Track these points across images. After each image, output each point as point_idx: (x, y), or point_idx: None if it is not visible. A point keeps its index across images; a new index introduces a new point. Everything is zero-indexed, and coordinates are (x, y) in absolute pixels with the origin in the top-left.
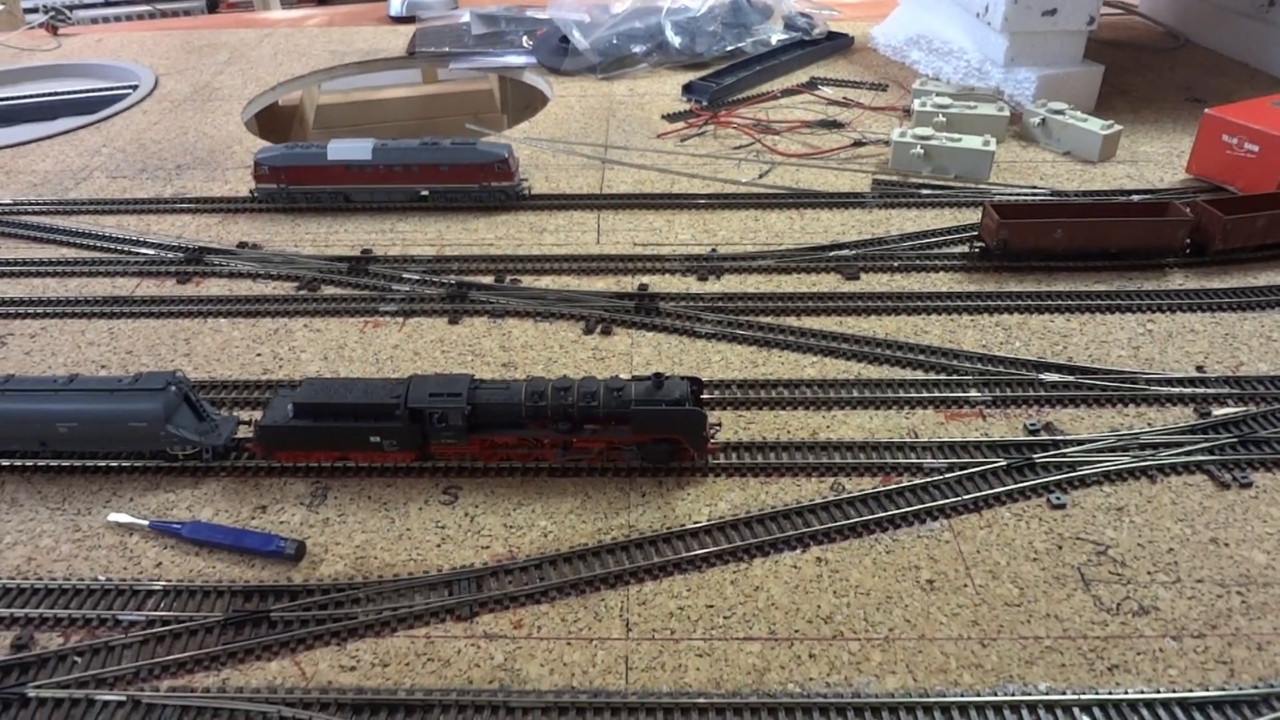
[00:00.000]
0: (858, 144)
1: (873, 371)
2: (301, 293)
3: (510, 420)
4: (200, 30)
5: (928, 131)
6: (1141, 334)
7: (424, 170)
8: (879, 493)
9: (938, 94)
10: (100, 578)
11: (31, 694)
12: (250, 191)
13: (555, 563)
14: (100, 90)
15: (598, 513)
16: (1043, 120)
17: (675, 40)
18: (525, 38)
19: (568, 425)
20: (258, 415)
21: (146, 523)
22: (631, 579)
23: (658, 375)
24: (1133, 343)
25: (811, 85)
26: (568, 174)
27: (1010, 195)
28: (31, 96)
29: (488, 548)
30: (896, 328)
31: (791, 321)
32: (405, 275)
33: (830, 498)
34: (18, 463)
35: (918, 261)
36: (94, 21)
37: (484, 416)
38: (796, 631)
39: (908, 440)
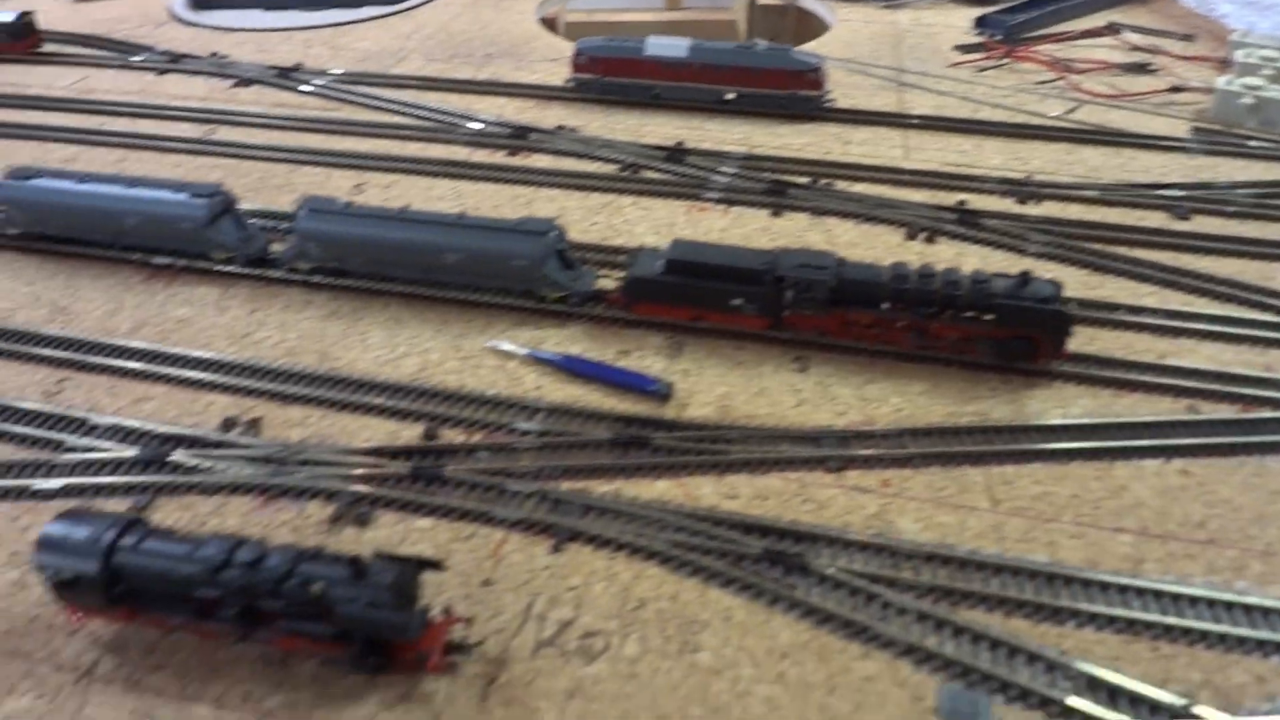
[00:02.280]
0: (1175, 89)
1: (1216, 308)
2: (624, 174)
3: (870, 299)
4: None
5: (1258, 82)
6: None
7: (735, 73)
8: (1241, 419)
9: (1262, 46)
10: (489, 391)
11: (449, 475)
12: (565, 81)
13: (915, 434)
14: None
15: (948, 398)
16: None
17: None
18: None
19: (927, 310)
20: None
21: (525, 351)
22: (993, 460)
23: (1025, 273)
24: None
25: (1113, 29)
26: (865, 93)
27: None
28: None
29: (844, 414)
30: (1238, 269)
31: (1122, 251)
32: (722, 169)
33: (1189, 417)
34: (400, 289)
35: (1256, 210)
36: None
37: (846, 292)
38: (1169, 531)
39: (1267, 375)
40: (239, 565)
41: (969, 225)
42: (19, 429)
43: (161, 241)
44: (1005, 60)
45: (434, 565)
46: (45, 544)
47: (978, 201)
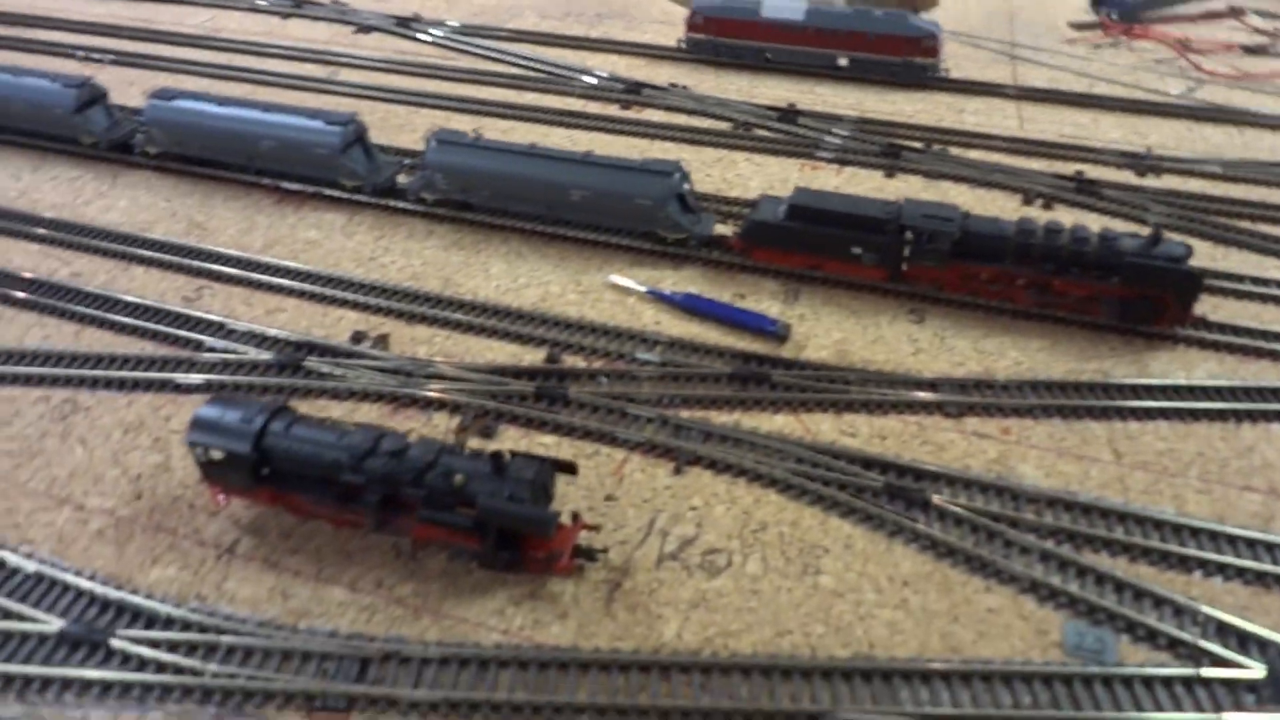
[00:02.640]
0: None
1: None
2: (737, 131)
3: (994, 253)
4: None
5: None
6: None
7: (851, 37)
8: None
9: None
10: (609, 323)
11: (572, 396)
12: (678, 41)
13: (1035, 387)
14: None
15: (1069, 355)
16: None
17: None
18: None
19: (1051, 267)
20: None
21: (644, 289)
22: (1115, 415)
23: (1156, 231)
24: None
25: (1236, 11)
26: (977, 65)
27: None
28: None
29: (962, 365)
30: None
31: (1246, 225)
32: (835, 130)
33: None
34: (521, 224)
35: None
36: None
37: (970, 245)
38: None
39: None
40: (383, 454)
41: (1087, 194)
42: (162, 328)
43: (294, 166)
44: (1122, 38)
45: (569, 468)
46: (198, 424)
47: (1095, 172)
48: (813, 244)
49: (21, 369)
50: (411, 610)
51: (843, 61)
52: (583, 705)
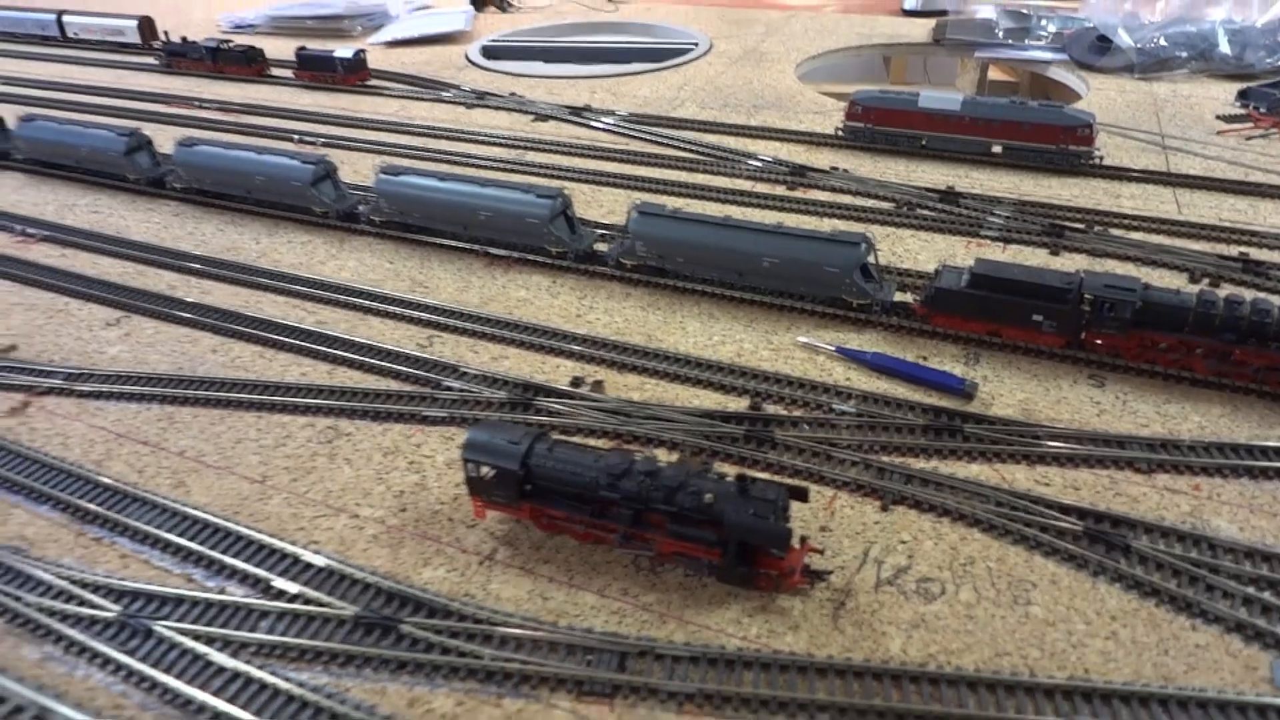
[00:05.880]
0: None
1: None
2: (900, 211)
3: (1175, 323)
4: (732, 8)
5: None
6: None
7: (1007, 126)
8: None
9: None
10: (803, 376)
11: (779, 439)
12: (836, 129)
13: (1223, 449)
14: (663, 44)
15: (1251, 422)
16: None
17: (1226, 49)
18: (1055, 34)
19: (1232, 337)
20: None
21: (833, 347)
22: None
23: None
24: None
25: None
26: (1128, 153)
27: None
28: (608, 43)
29: (1146, 426)
30: None
31: None
32: (995, 211)
33: None
34: (710, 289)
35: None
36: None
37: (1151, 315)
38: None
39: None
40: (637, 474)
41: (1254, 273)
42: (403, 368)
43: (505, 234)
44: (1272, 130)
45: (801, 493)
46: (472, 444)
47: (1260, 254)
48: (993, 311)
49: (289, 399)
50: (657, 616)
51: (997, 149)
52: (823, 704)
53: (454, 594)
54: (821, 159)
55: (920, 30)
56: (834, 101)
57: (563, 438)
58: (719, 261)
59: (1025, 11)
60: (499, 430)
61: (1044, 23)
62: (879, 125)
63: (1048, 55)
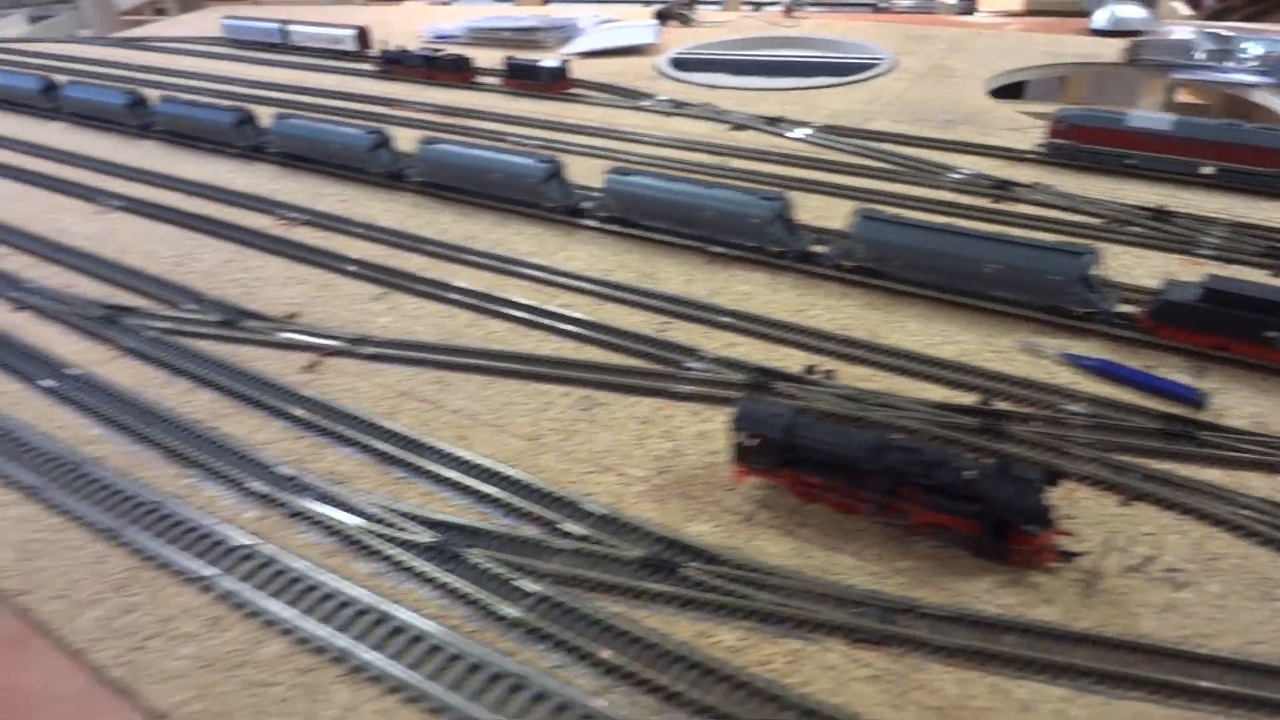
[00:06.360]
0: None
1: None
2: (1111, 227)
3: None
4: (911, 25)
5: None
6: None
7: (1220, 147)
8: None
9: None
10: (1028, 377)
11: (1012, 432)
12: (1036, 144)
13: None
14: (847, 59)
15: None
16: None
17: None
18: (1262, 57)
19: None
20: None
21: (1055, 352)
22: None
23: None
24: None
25: None
26: None
27: None
28: (792, 57)
29: None
30: None
31: None
32: (1210, 231)
33: None
34: (926, 292)
35: None
36: (813, 7)
37: None
38: None
39: None
40: (898, 449)
41: None
42: (645, 349)
43: (727, 233)
44: None
45: (1054, 478)
46: (741, 416)
47: None
48: (1224, 326)
49: (547, 370)
50: (912, 580)
51: (1207, 170)
52: (1082, 669)
53: (721, 547)
54: (1022, 174)
55: (1110, 50)
56: (1029, 119)
57: (821, 416)
58: (941, 266)
59: (1227, 33)
60: (762, 405)
61: (1247, 45)
62: (1084, 143)
63: (1253, 79)
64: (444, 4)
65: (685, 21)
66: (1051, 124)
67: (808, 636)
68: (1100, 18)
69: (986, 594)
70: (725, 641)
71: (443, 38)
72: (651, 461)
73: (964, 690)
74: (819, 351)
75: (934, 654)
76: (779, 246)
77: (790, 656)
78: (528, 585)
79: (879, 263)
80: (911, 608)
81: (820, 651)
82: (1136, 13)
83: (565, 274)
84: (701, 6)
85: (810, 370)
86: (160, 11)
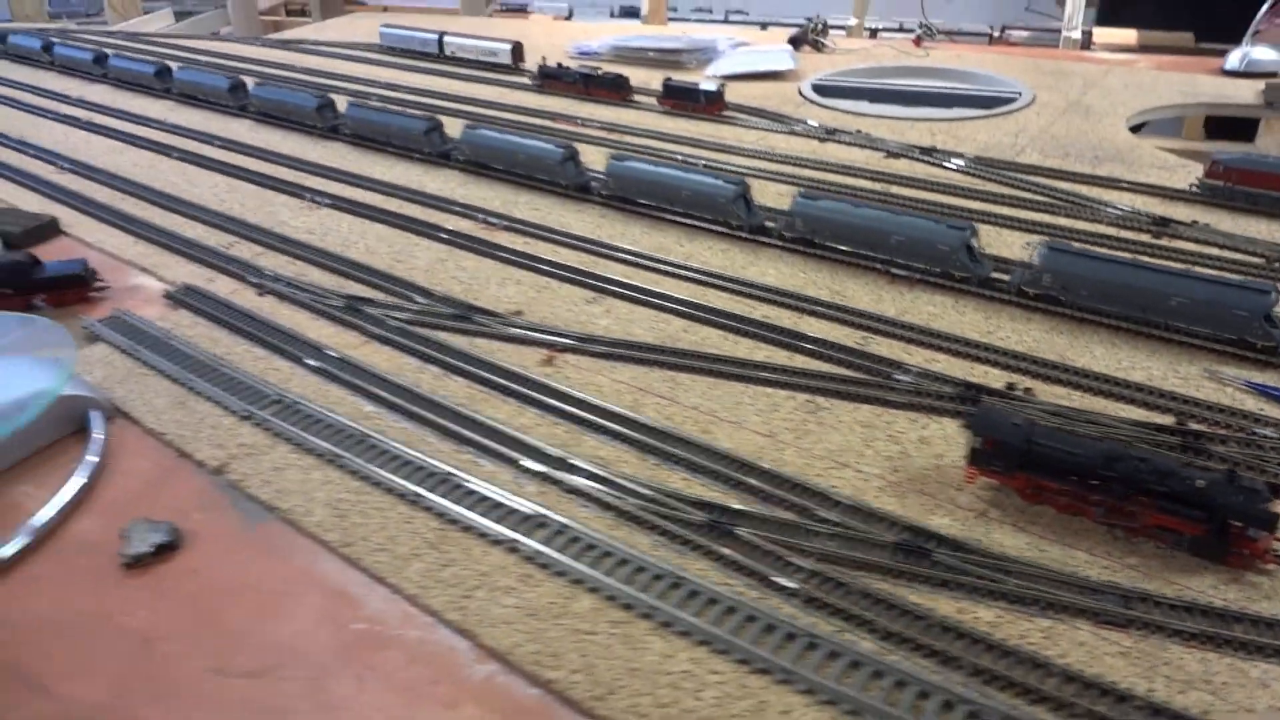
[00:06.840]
0: None
1: None
2: (1272, 266)
3: None
4: (1040, 59)
5: None
6: None
7: None
8: None
9: None
10: (1217, 402)
11: (1212, 451)
12: (1190, 185)
13: None
14: (986, 91)
15: None
16: None
17: None
18: None
19: None
20: None
21: (1241, 381)
22: None
23: None
24: None
25: None
26: None
27: None
28: (930, 87)
29: None
30: None
31: None
32: None
33: None
34: (1108, 320)
35: None
36: (948, 37)
37: None
38: None
39: None
40: (1132, 459)
41: None
42: (852, 359)
43: (914, 258)
44: None
45: (1277, 490)
46: (978, 421)
47: None
48: None
49: (769, 374)
50: (1141, 575)
51: None
52: None
53: (964, 537)
54: (1178, 212)
55: (1246, 91)
56: (1179, 159)
57: (1059, 428)
58: (1127, 297)
59: None
60: (996, 414)
61: None
62: (1240, 185)
63: None
64: (566, 19)
65: (819, 48)
66: (1208, 166)
67: (1056, 617)
68: (1234, 59)
69: (1211, 589)
70: (984, 618)
71: (587, 54)
72: (882, 461)
73: (1206, 668)
74: (1014, 370)
75: (1173, 636)
76: (963, 272)
77: (1044, 633)
78: (799, 561)
79: (1064, 291)
80: (1147, 596)
81: (1071, 630)
82: (1271, 55)
83: (760, 287)
84: (833, 32)
85: (1011, 387)
86: (292, 12)
